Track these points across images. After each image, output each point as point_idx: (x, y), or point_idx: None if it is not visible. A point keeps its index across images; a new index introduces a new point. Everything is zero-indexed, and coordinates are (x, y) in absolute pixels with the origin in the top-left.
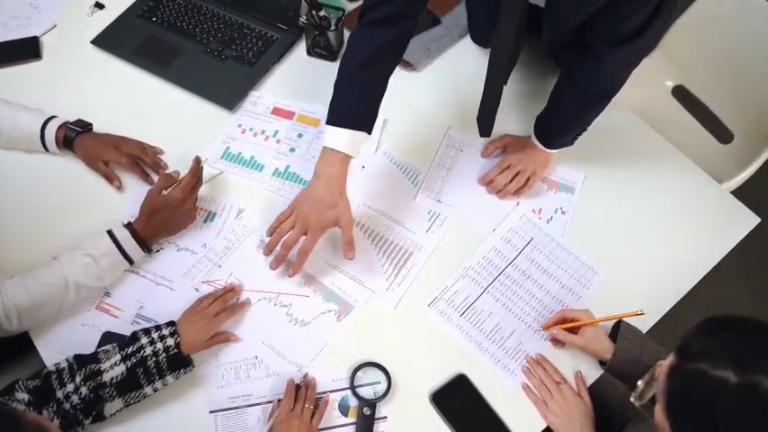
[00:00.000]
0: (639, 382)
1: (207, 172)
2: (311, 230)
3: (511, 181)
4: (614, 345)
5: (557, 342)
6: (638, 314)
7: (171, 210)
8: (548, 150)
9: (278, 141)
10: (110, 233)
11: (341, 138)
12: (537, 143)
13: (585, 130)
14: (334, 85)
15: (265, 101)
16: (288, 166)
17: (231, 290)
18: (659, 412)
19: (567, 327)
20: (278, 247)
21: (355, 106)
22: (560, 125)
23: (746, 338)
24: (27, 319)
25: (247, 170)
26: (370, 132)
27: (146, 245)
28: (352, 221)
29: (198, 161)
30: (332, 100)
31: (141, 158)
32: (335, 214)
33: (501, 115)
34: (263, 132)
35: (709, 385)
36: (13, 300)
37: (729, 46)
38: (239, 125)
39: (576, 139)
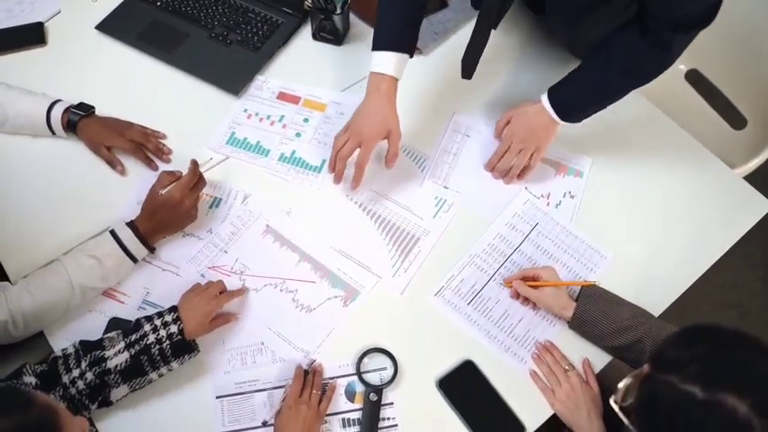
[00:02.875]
0: (620, 385)
1: (212, 158)
2: (364, 142)
3: (513, 164)
4: (575, 303)
5: (517, 296)
6: (589, 283)
7: (169, 209)
8: (558, 121)
9: (284, 126)
10: (113, 233)
11: (387, 61)
12: (550, 110)
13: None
14: (377, 14)
15: (271, 86)
16: (294, 152)
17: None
18: (634, 418)
19: (531, 284)
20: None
21: (397, 31)
22: (588, 99)
23: (718, 354)
24: (33, 323)
25: (253, 155)
26: (411, 55)
27: (148, 244)
28: (399, 135)
29: (195, 163)
30: (375, 28)
31: (144, 145)
32: (386, 127)
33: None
34: (268, 117)
35: (675, 397)
36: (19, 306)
37: (745, 30)
38: (245, 110)
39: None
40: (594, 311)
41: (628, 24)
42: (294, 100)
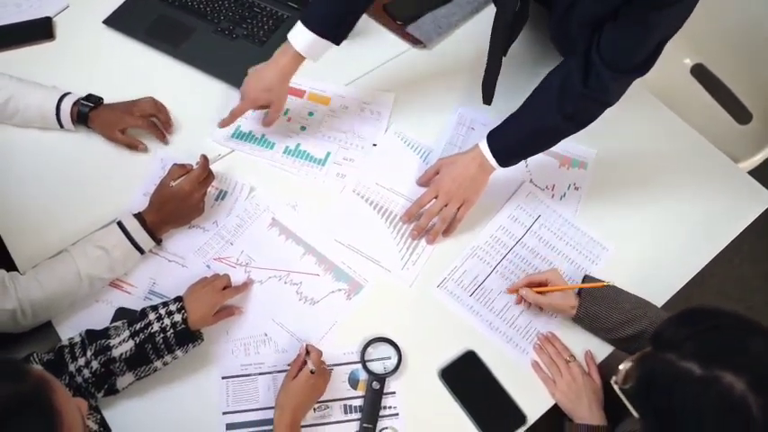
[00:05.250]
0: (621, 366)
1: (220, 153)
2: (245, 100)
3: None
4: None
5: (522, 301)
6: (604, 284)
7: (178, 201)
8: (493, 168)
9: (288, 120)
10: (120, 225)
11: (305, 39)
12: (488, 156)
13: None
14: None
15: None
16: (298, 145)
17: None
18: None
19: (538, 290)
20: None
21: (331, 16)
22: (530, 144)
23: (716, 333)
24: (42, 313)
25: (258, 148)
26: (337, 43)
27: (155, 235)
28: (281, 107)
29: (205, 158)
30: (310, 2)
31: (156, 116)
32: (269, 97)
33: (503, 88)
34: None
35: (672, 374)
36: (27, 295)
37: (751, 24)
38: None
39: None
40: (597, 306)
41: (567, 69)
42: (299, 93)
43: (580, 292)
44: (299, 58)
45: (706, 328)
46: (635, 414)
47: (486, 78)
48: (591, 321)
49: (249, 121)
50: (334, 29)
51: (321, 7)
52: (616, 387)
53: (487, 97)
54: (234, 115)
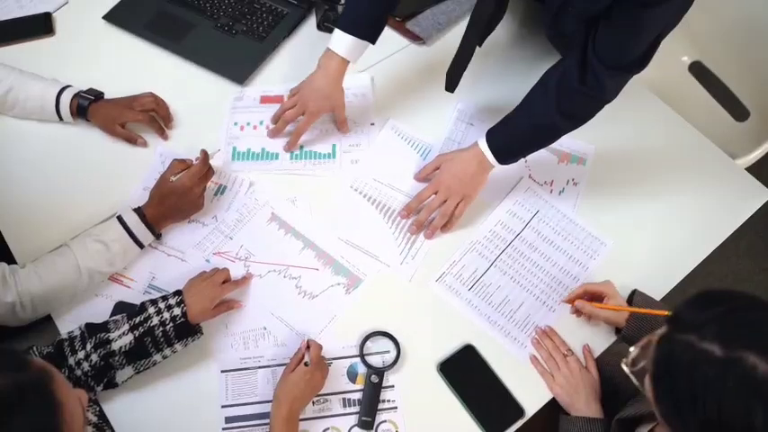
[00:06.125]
0: (632, 349)
1: (217, 145)
2: (308, 113)
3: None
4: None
5: (579, 312)
6: (665, 313)
7: (178, 196)
8: (492, 165)
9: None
10: (119, 219)
11: (345, 43)
12: (487, 154)
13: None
14: None
15: (250, 93)
16: (302, 147)
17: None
18: (648, 381)
19: (600, 306)
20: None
21: (363, 17)
22: (529, 142)
23: (736, 313)
24: (41, 307)
25: (263, 162)
26: (373, 42)
27: (154, 230)
28: (343, 107)
29: (205, 153)
30: (344, 7)
31: (156, 111)
32: (330, 104)
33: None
34: (261, 123)
35: (693, 355)
36: (27, 288)
37: (749, 22)
38: (235, 123)
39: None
40: (647, 323)
41: (564, 67)
42: (278, 100)
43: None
44: (344, 63)
45: (726, 309)
46: (648, 397)
47: (453, 66)
48: (641, 331)
49: (243, 140)
50: (370, 28)
51: (354, 12)
52: (627, 370)
53: (451, 84)
54: (299, 133)
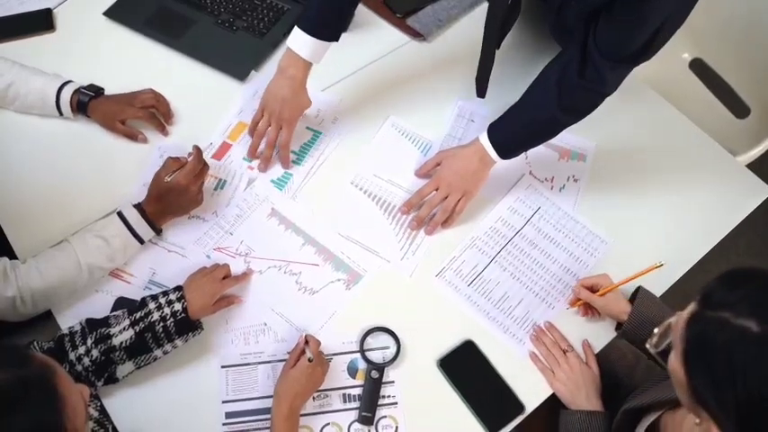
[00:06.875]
0: (656, 330)
1: (212, 142)
2: (286, 124)
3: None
4: (632, 306)
5: (586, 312)
6: (657, 266)
7: (175, 195)
8: (494, 161)
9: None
10: (120, 215)
11: (306, 44)
12: (489, 149)
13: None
14: None
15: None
16: (292, 151)
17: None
18: (675, 360)
19: (602, 291)
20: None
21: (323, 16)
22: (530, 136)
23: (767, 291)
24: (42, 302)
25: (286, 188)
26: (336, 40)
27: (155, 225)
28: (310, 104)
29: (198, 150)
30: (306, 5)
31: (156, 108)
32: (301, 106)
33: (501, 80)
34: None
35: (729, 333)
36: (27, 284)
37: (749, 19)
38: (244, 159)
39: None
40: (649, 310)
41: (564, 60)
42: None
43: (634, 298)
44: (307, 66)
45: (758, 285)
46: (676, 375)
47: (479, 72)
48: (641, 327)
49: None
50: (329, 28)
51: (313, 11)
52: (652, 351)
53: (481, 90)
54: (287, 146)
